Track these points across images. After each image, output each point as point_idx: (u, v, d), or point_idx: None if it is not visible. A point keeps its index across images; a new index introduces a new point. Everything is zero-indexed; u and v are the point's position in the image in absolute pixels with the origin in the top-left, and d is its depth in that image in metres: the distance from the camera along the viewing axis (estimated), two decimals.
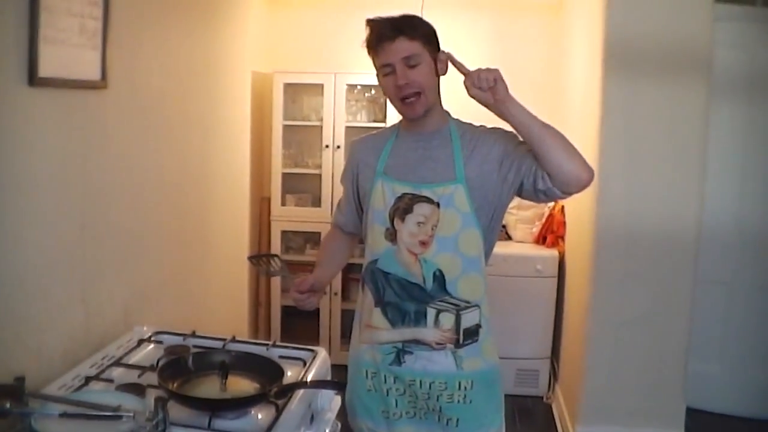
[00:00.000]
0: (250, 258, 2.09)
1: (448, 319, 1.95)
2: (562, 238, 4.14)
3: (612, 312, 3.31)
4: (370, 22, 1.95)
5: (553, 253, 4.11)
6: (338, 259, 2.28)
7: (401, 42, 1.89)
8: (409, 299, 1.96)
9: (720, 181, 3.68)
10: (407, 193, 1.94)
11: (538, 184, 1.89)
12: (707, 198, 3.38)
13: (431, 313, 1.95)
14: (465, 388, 1.98)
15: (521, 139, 1.93)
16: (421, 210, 1.92)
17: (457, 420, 1.99)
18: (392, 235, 1.96)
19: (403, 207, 1.94)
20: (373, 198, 2.00)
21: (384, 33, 1.90)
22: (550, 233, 4.19)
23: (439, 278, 1.94)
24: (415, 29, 1.91)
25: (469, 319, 1.96)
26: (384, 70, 1.93)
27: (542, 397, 4.14)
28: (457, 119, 2.05)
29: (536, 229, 4.27)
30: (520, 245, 4.31)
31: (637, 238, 3.26)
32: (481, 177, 1.92)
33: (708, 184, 3.36)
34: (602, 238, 3.29)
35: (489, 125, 2.03)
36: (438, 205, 1.91)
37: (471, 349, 1.98)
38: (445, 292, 1.95)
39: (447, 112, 2.05)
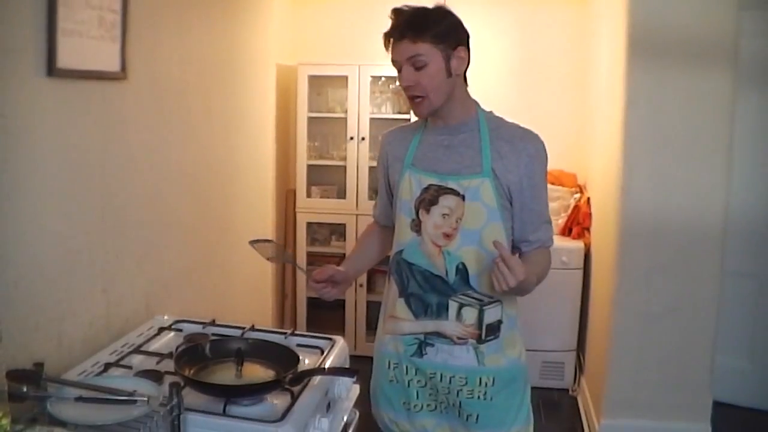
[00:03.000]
0: (252, 242, 2.07)
1: (470, 314, 1.94)
2: (588, 229, 4.10)
3: (638, 304, 3.28)
4: (393, 13, 1.92)
5: (579, 244, 4.07)
6: (372, 252, 2.26)
7: (405, 44, 1.86)
8: (431, 291, 1.96)
9: (747, 171, 3.62)
10: (433, 185, 1.93)
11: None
12: (734, 188, 3.32)
13: (453, 306, 1.95)
14: (486, 384, 1.97)
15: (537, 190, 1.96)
16: (446, 202, 1.92)
17: (477, 416, 1.98)
18: (417, 226, 1.96)
19: (429, 198, 1.94)
20: (400, 189, 2.00)
21: (392, 31, 1.89)
22: (576, 225, 4.15)
23: (462, 272, 1.93)
24: (424, 29, 1.85)
25: (491, 315, 1.95)
26: (395, 65, 1.92)
27: (568, 390, 4.12)
28: (489, 112, 2.01)
29: (562, 221, 4.23)
30: None
31: (663, 229, 3.22)
32: (504, 177, 1.91)
33: (735, 174, 3.30)
34: (628, 229, 3.25)
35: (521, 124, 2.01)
36: (463, 197, 1.90)
37: (493, 345, 1.97)
38: (468, 286, 1.94)
39: (476, 102, 2.01)
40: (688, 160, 3.16)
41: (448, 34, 1.88)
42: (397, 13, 1.91)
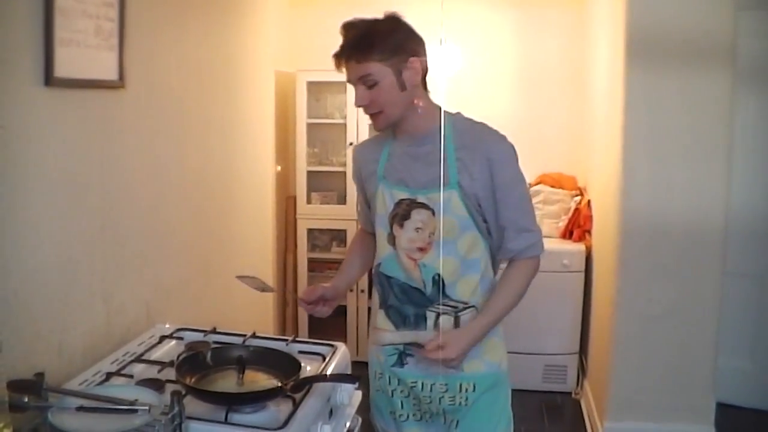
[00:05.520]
0: (239, 277, 2.08)
1: (446, 322, 1.94)
2: (589, 232, 4.10)
3: (640, 306, 3.27)
4: (342, 29, 1.90)
5: (580, 247, 4.07)
6: (361, 261, 2.26)
7: (352, 65, 1.87)
8: (408, 303, 1.97)
9: (747, 172, 3.61)
10: (404, 199, 1.93)
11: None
12: (734, 189, 3.32)
13: (431, 316, 1.96)
14: (466, 390, 1.98)
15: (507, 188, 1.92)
16: (418, 216, 1.91)
17: (457, 422, 2.00)
18: (393, 240, 1.96)
19: (402, 213, 1.93)
20: (376, 203, 2.00)
21: (340, 52, 1.88)
22: (577, 227, 4.14)
23: (438, 282, 1.93)
24: (370, 49, 1.84)
25: (467, 321, 1.95)
26: (349, 83, 1.92)
27: (571, 393, 4.11)
28: (456, 114, 1.97)
29: (562, 224, 4.23)
30: (546, 240, 4.13)
31: (663, 231, 3.21)
32: (470, 187, 1.89)
33: (735, 174, 3.30)
34: (628, 231, 3.25)
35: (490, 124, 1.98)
36: (433, 212, 1.89)
37: (472, 351, 1.94)
38: (445, 296, 1.94)
39: (439, 107, 1.94)
40: (687, 161, 3.16)
41: (397, 48, 1.86)
42: (346, 28, 1.89)
